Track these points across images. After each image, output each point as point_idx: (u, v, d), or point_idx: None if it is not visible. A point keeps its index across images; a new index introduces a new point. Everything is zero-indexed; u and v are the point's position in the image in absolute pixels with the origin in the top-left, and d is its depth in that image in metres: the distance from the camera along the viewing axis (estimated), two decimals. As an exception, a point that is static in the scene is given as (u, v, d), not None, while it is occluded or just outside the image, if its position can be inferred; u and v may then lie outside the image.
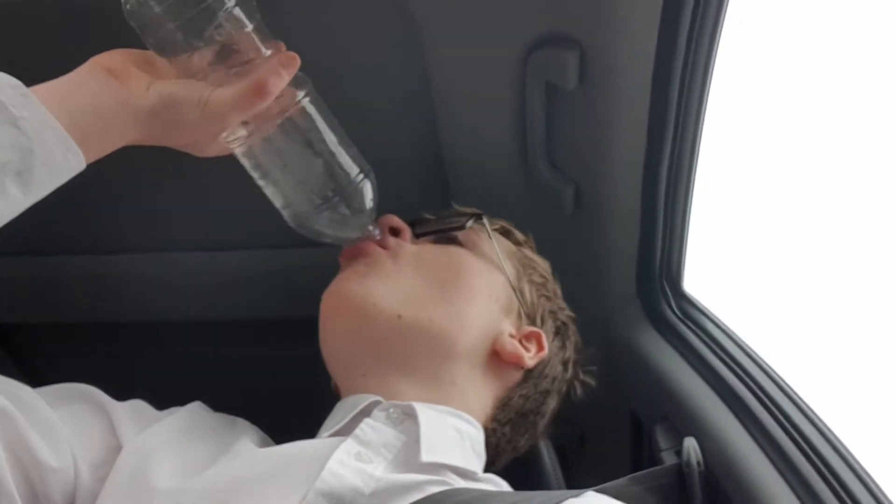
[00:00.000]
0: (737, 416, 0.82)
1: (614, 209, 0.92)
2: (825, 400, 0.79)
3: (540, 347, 0.76)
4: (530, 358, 0.75)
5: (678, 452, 0.80)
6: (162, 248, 1.10)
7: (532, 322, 0.78)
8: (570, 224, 0.96)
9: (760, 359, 0.87)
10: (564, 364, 0.80)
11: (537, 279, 0.82)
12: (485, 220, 0.81)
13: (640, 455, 1.04)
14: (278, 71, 0.60)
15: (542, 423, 0.79)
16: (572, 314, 0.84)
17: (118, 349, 1.14)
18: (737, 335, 0.92)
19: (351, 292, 0.73)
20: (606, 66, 0.75)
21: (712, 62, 0.77)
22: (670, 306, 1.00)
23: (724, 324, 0.94)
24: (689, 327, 0.96)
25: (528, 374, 0.76)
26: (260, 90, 0.59)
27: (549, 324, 0.80)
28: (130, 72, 0.59)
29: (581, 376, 0.82)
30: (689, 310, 0.99)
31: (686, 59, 0.76)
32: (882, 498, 0.68)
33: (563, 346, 0.80)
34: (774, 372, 0.85)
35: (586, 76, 0.76)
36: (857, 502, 0.67)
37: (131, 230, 1.07)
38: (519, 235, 0.86)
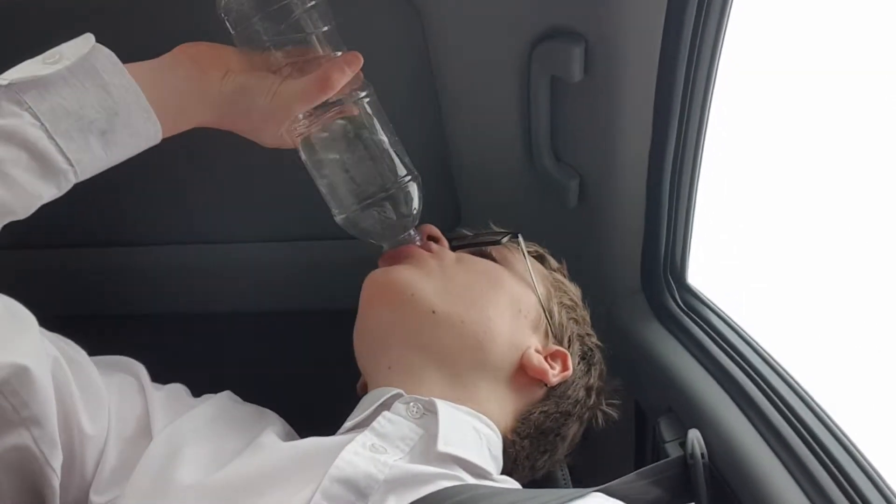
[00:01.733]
0: (740, 407, 0.82)
1: (619, 202, 0.92)
2: (828, 390, 0.80)
3: (565, 367, 0.77)
4: (554, 375, 0.75)
5: (682, 444, 0.81)
6: (194, 241, 1.12)
7: (559, 342, 0.79)
8: (575, 216, 0.96)
9: (764, 350, 0.87)
10: (588, 390, 0.80)
11: (567, 302, 0.83)
12: (520, 238, 0.83)
13: (643, 447, 1.04)
14: (342, 67, 0.66)
15: (563, 446, 0.79)
16: (600, 343, 0.84)
17: (150, 340, 1.15)
18: (740, 327, 0.92)
19: (392, 280, 0.75)
20: (611, 60, 0.75)
21: (717, 55, 0.77)
22: (674, 298, 1.00)
23: (727, 316, 0.94)
24: (692, 319, 0.96)
25: (551, 392, 0.76)
26: (323, 84, 0.65)
27: (576, 346, 0.80)
28: (210, 61, 0.65)
29: (604, 407, 0.82)
30: (693, 302, 0.99)
31: (691, 51, 0.76)
32: (884, 487, 0.68)
33: (587, 372, 0.81)
34: (778, 363, 0.85)
35: (591, 69, 0.76)
36: (860, 492, 0.67)
37: (167, 222, 1.09)
38: (552, 262, 0.87)
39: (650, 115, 0.82)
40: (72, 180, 0.59)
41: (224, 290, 1.15)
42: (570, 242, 0.90)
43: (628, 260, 1.00)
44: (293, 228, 1.09)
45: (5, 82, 0.56)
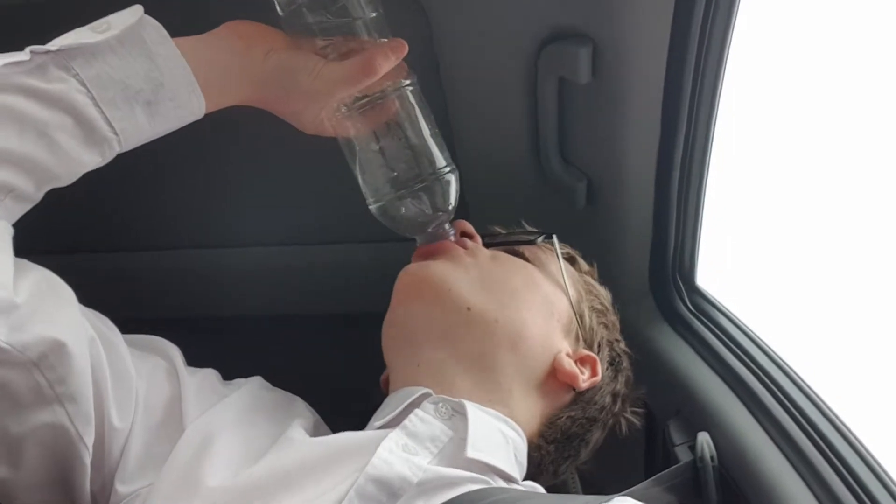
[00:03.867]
0: (750, 410, 0.82)
1: (627, 204, 0.92)
2: (838, 394, 0.79)
3: (594, 372, 0.76)
4: (584, 380, 0.74)
5: (692, 447, 0.80)
6: (215, 245, 1.13)
7: (589, 347, 0.78)
8: (583, 219, 0.96)
9: (774, 353, 0.87)
10: (614, 396, 0.79)
11: (598, 306, 0.82)
12: (554, 239, 0.82)
13: (653, 450, 1.04)
14: (387, 53, 0.66)
15: (585, 452, 0.78)
16: (628, 350, 0.83)
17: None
18: (750, 330, 0.91)
19: (430, 273, 0.74)
20: (619, 61, 0.75)
21: (725, 56, 0.76)
22: (683, 301, 1.00)
23: (737, 318, 0.94)
24: (702, 322, 0.96)
25: (579, 397, 0.76)
26: (367, 68, 0.66)
27: (605, 352, 0.80)
28: (255, 38, 0.66)
29: (628, 414, 0.82)
30: (703, 304, 0.99)
31: (699, 52, 0.76)
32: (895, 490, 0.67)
33: (614, 378, 0.80)
34: (788, 366, 0.84)
35: (599, 71, 0.76)
36: (872, 496, 0.67)
37: (187, 226, 1.10)
38: (584, 265, 0.86)
39: (658, 116, 0.82)
40: (115, 149, 0.60)
41: (243, 293, 1.16)
42: (578, 245, 0.89)
43: (637, 262, 1.00)
44: (314, 232, 1.09)
45: (54, 48, 0.57)
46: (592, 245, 0.96)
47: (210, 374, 0.73)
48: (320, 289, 1.13)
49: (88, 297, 0.67)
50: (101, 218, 1.02)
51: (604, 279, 0.89)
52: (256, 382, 0.75)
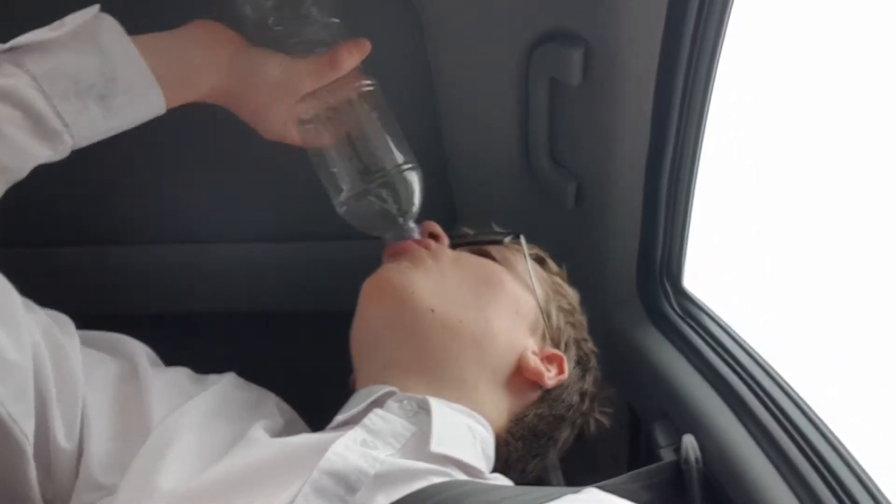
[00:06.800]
0: (736, 413, 0.82)
1: (616, 206, 0.92)
2: (823, 397, 0.80)
3: (560, 370, 0.77)
4: (550, 378, 0.75)
5: (677, 450, 0.80)
6: (193, 240, 1.12)
7: (556, 346, 0.79)
8: (572, 220, 0.96)
9: (759, 356, 0.87)
10: (582, 395, 0.80)
11: (565, 306, 0.83)
12: (522, 239, 0.83)
13: (637, 452, 1.04)
14: (350, 50, 0.70)
15: (554, 450, 0.78)
16: (595, 349, 0.84)
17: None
18: (736, 333, 0.92)
19: (392, 279, 0.75)
20: (611, 63, 0.75)
21: (716, 60, 0.77)
22: (670, 303, 1.00)
23: (723, 321, 0.94)
24: (688, 325, 0.96)
25: (546, 395, 0.76)
26: (333, 63, 0.69)
27: (572, 351, 0.80)
28: (225, 37, 0.68)
29: (597, 414, 0.82)
30: (689, 307, 0.99)
31: (690, 56, 0.76)
32: (878, 495, 0.68)
33: (582, 377, 0.80)
34: (773, 370, 0.85)
35: (590, 72, 0.76)
36: (854, 499, 0.67)
37: (166, 221, 1.09)
38: (552, 266, 0.87)
39: (648, 119, 0.82)
40: (68, 142, 0.60)
41: (219, 290, 1.15)
42: (567, 246, 0.90)
43: (624, 264, 1.00)
44: (294, 229, 1.09)
45: (8, 46, 0.58)
46: (580, 246, 0.97)
47: (179, 374, 0.73)
48: (299, 286, 1.13)
49: (58, 292, 0.66)
50: (71, 211, 1.01)
51: (591, 280, 0.89)
52: (228, 380, 0.75)
